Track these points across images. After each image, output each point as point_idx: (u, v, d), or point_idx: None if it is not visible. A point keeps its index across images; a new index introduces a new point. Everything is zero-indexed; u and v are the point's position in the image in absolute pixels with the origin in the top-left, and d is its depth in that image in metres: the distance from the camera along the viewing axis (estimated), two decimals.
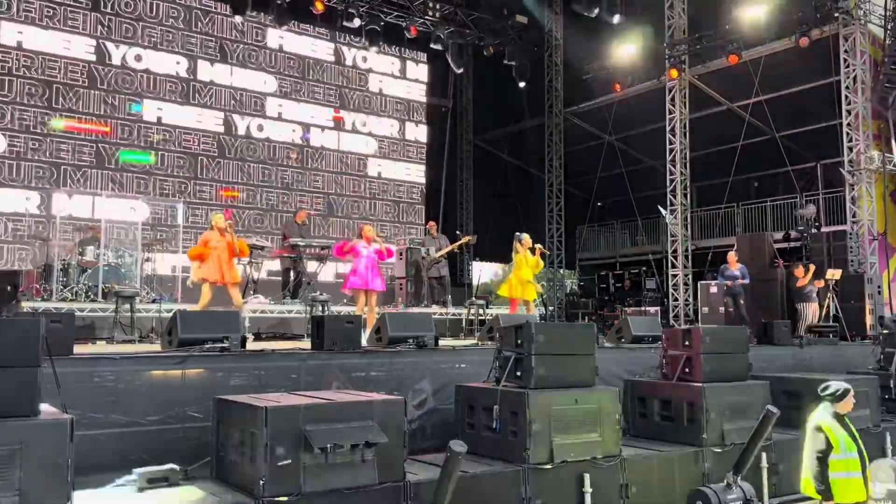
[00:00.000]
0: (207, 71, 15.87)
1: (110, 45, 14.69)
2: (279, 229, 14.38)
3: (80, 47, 14.29)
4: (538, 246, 10.48)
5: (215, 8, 15.92)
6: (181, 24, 15.53)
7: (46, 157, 13.79)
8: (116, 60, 14.75)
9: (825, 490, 5.15)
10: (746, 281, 12.86)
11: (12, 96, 13.60)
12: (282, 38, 16.92)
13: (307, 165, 17.08)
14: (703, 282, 16.08)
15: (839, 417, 5.41)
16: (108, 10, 14.62)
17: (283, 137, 16.80)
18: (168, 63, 15.38)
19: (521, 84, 19.14)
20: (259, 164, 16.37)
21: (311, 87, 17.27)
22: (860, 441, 5.47)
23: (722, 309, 14.12)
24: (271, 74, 16.69)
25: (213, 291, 8.83)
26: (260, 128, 16.48)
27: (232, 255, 8.91)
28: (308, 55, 17.31)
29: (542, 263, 10.50)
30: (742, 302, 12.79)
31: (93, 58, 14.45)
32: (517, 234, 10.62)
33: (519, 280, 10.22)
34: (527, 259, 10.24)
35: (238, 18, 15.78)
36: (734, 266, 12.92)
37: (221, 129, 15.92)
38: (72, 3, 14.30)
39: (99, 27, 14.53)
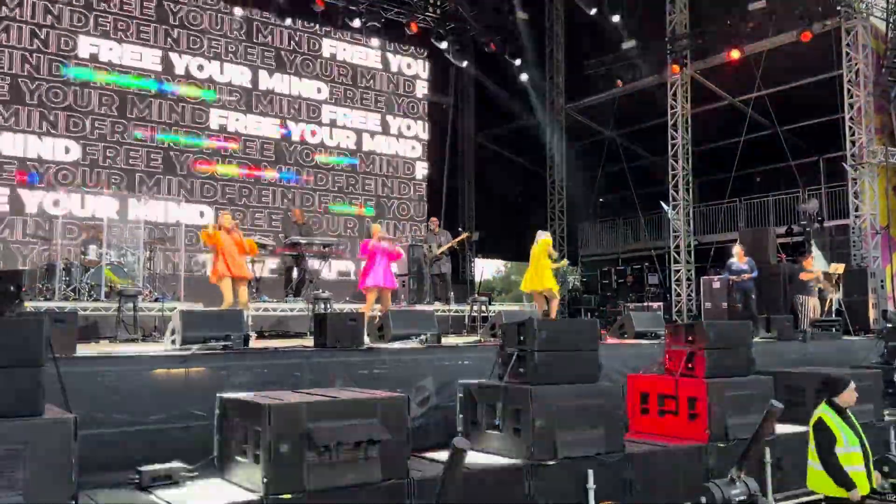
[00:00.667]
0: (266, 80, 16.52)
1: (174, 56, 15.30)
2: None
3: (148, 59, 15.00)
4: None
5: (273, 20, 16.61)
6: (243, 36, 16.21)
7: (121, 165, 14.39)
8: (180, 71, 15.33)
9: (846, 481, 5.10)
10: (755, 275, 12.42)
11: (91, 107, 14.23)
12: (333, 48, 17.54)
13: (359, 170, 17.67)
14: (706, 277, 16.06)
15: (841, 411, 5.40)
16: (175, 23, 15.31)
17: (335, 143, 17.39)
18: (232, 73, 16.02)
19: (523, 79, 19.11)
20: (313, 167, 16.92)
21: (362, 93, 17.88)
22: (863, 435, 5.46)
23: (725, 304, 14.09)
24: (324, 82, 17.28)
25: (232, 287, 8.73)
26: (313, 133, 17.04)
27: (241, 253, 8.89)
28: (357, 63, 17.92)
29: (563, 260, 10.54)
30: (753, 297, 12.41)
31: (159, 68, 15.10)
32: (539, 231, 10.63)
33: (536, 271, 10.19)
34: (545, 254, 10.25)
35: (238, 11, 15.83)
36: (741, 260, 12.44)
37: (278, 135, 16.59)
38: (142, 16, 14.92)
39: (169, 39, 15.23)
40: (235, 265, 8.65)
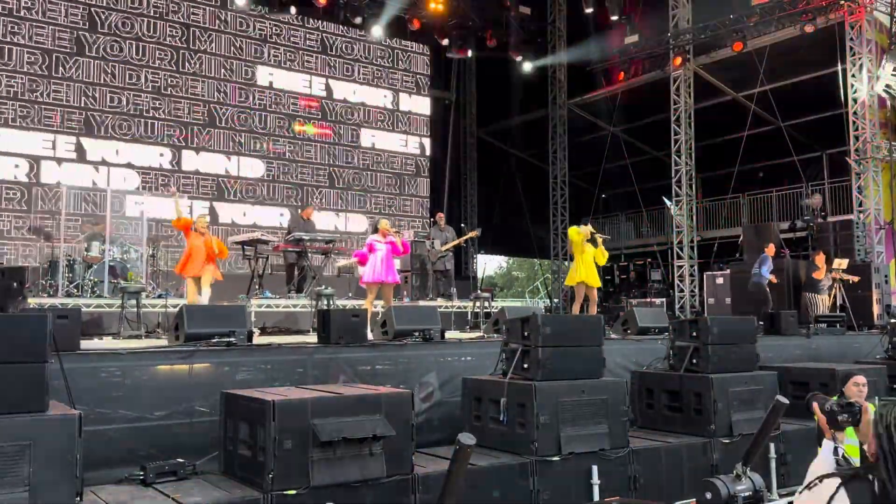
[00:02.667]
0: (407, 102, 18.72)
1: (333, 82, 17.53)
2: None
3: (315, 84, 17.29)
4: (599, 235, 10.25)
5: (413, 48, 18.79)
6: (387, 63, 18.45)
7: (293, 180, 16.80)
8: (339, 96, 17.54)
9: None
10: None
11: (269, 129, 16.47)
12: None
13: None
14: (709, 272, 16.04)
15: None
16: (334, 53, 17.57)
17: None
18: (376, 96, 18.22)
19: (525, 73, 19.05)
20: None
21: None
22: None
23: (728, 300, 14.06)
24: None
25: (197, 285, 8.95)
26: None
27: (210, 256, 9.00)
28: None
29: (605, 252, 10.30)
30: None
31: (323, 94, 17.33)
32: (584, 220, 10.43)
33: (584, 264, 9.97)
34: (577, 248, 10.03)
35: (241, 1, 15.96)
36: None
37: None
38: (307, 48, 17.15)
39: (326, 67, 17.43)
40: (195, 267, 8.90)
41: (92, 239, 10.66)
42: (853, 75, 14.90)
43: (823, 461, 2.83)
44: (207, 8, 15.91)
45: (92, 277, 10.01)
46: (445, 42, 17.91)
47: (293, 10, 16.47)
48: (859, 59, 14.80)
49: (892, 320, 10.51)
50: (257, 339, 6.82)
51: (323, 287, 10.03)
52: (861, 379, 5.46)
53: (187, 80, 15.55)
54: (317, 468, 4.45)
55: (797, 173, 17.62)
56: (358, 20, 16.43)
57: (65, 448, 3.83)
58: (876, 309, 13.01)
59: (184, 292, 11.01)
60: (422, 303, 11.44)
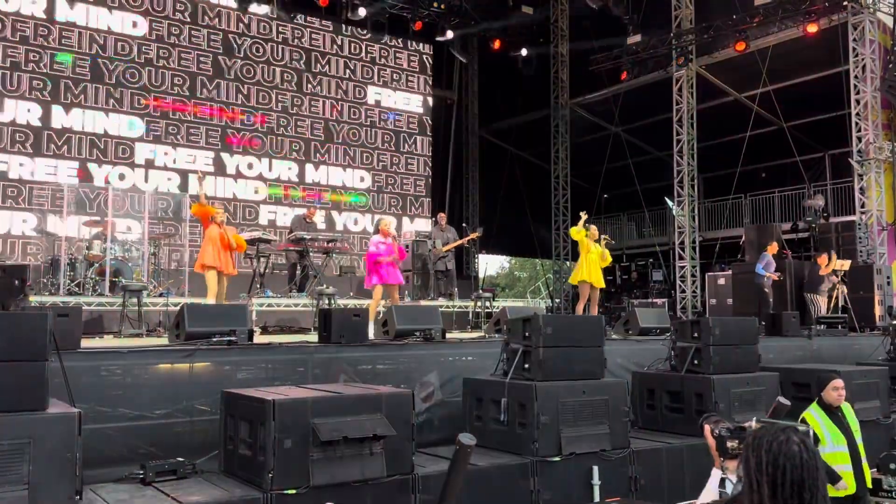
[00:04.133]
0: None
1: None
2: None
3: (415, 101, 19.25)
4: (604, 237, 10.41)
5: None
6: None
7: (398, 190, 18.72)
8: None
9: (831, 475, 5.09)
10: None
11: (376, 144, 18.32)
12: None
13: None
14: (711, 273, 16.02)
15: (830, 410, 5.37)
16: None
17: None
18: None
19: (527, 72, 19.03)
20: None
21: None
22: (856, 433, 5.42)
23: (730, 300, 14.05)
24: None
25: (218, 279, 8.85)
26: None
27: (227, 248, 8.94)
28: None
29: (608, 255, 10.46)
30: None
31: (420, 110, 19.27)
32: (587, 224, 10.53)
33: (589, 263, 10.12)
34: (583, 248, 10.20)
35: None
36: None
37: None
38: (410, 69, 19.08)
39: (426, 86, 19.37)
40: (222, 259, 8.79)
41: (93, 237, 10.67)
42: (856, 76, 14.87)
43: (708, 492, 2.63)
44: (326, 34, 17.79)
45: (93, 276, 10.01)
46: (448, 37, 17.88)
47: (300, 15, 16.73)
48: (862, 59, 14.76)
49: (894, 321, 10.49)
50: (258, 339, 6.81)
51: (324, 286, 10.03)
52: (840, 383, 5.42)
53: (309, 100, 17.36)
54: (317, 467, 4.44)
55: (799, 174, 17.60)
56: (361, 13, 16.41)
57: (64, 446, 3.82)
58: (878, 310, 12.99)
59: (185, 291, 11.04)
60: (423, 302, 11.44)
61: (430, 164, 19.35)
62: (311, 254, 11.38)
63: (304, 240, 11.15)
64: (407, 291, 12.67)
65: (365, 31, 17.60)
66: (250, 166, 16.41)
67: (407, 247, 12.86)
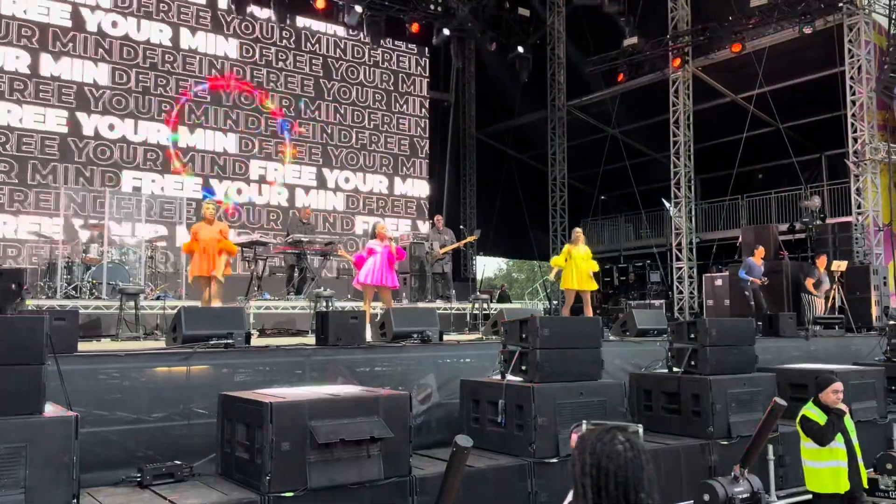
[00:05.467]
0: None
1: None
2: None
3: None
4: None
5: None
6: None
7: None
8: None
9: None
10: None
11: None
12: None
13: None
14: (708, 274, 16.03)
15: (827, 410, 5.40)
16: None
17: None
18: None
19: (524, 76, 19.05)
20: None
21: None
22: (852, 433, 5.46)
23: (727, 302, 14.06)
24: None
25: (206, 285, 8.67)
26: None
27: (207, 252, 8.66)
28: None
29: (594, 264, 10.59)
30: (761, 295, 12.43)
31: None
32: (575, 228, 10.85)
33: (574, 270, 10.24)
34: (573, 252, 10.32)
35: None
36: (759, 263, 12.40)
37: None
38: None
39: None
40: (206, 266, 8.50)
41: (90, 241, 10.66)
42: (851, 77, 14.91)
43: None
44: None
45: (90, 279, 9.99)
46: (445, 38, 17.89)
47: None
48: (858, 60, 14.81)
49: (891, 322, 10.52)
50: (256, 341, 6.81)
51: (322, 289, 10.03)
52: (839, 386, 5.45)
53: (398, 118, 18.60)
54: (314, 470, 4.44)
55: (796, 175, 17.64)
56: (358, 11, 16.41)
57: (61, 450, 3.82)
58: (875, 311, 13.01)
59: (182, 294, 11.03)
60: (420, 304, 11.44)
61: (427, 166, 19.34)
62: (308, 256, 11.37)
63: (302, 242, 11.15)
64: (404, 294, 12.67)
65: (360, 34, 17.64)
66: (347, 180, 17.74)
67: (405, 248, 12.87)
